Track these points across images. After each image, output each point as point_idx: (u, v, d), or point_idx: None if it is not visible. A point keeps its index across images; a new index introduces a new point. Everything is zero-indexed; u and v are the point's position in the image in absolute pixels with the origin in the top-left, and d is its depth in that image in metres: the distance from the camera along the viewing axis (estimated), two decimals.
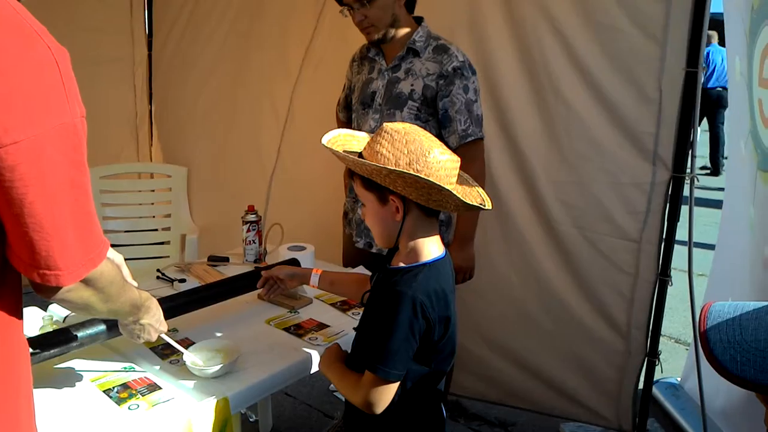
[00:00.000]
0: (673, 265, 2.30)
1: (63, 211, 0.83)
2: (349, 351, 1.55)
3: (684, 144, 2.19)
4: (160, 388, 1.46)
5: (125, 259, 1.37)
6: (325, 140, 1.42)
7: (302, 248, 2.22)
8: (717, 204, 3.45)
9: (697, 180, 2.22)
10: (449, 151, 1.34)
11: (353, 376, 1.41)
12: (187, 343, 1.60)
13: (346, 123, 2.47)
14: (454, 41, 2.21)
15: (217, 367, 1.49)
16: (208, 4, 3.44)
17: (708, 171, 7.83)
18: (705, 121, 7.90)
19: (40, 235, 0.81)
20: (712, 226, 3.61)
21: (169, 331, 1.47)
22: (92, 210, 0.89)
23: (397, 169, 1.27)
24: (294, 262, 2.00)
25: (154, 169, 3.82)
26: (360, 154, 1.37)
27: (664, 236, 2.28)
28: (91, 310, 1.01)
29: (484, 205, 1.36)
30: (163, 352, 1.61)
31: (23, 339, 0.93)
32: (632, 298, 2.38)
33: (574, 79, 2.31)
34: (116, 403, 1.40)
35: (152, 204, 3.66)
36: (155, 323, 1.37)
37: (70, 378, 1.48)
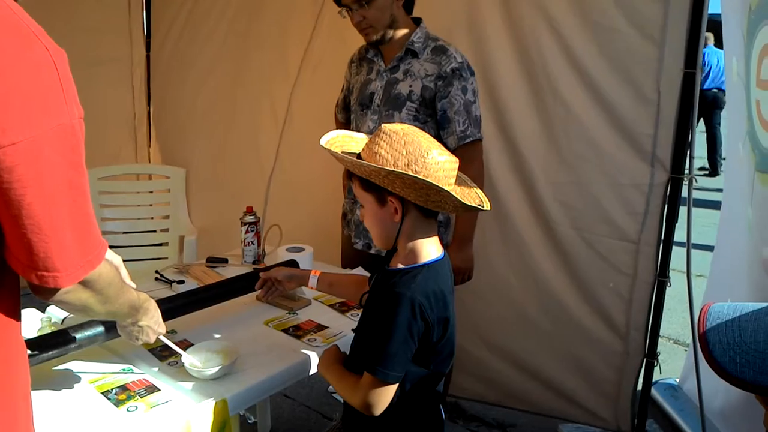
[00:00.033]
0: (671, 266, 2.30)
1: (61, 213, 0.83)
2: (347, 352, 1.55)
3: (682, 145, 2.19)
4: (159, 390, 1.46)
5: (123, 261, 1.37)
6: (323, 141, 1.42)
7: (301, 249, 2.22)
8: (716, 205, 3.45)
9: (696, 181, 2.22)
10: (448, 152, 1.34)
11: (352, 378, 1.41)
12: (186, 345, 1.60)
13: (345, 124, 2.47)
14: (453, 42, 2.21)
15: (216, 369, 1.49)
16: (207, 3, 3.44)
17: (706, 172, 7.84)
18: (701, 122, 7.92)
19: (38, 236, 0.81)
20: (711, 227, 3.61)
21: (167, 332, 1.47)
22: (90, 211, 0.89)
23: (395, 170, 1.27)
24: (293, 264, 2.00)
25: (153, 171, 3.82)
26: (358, 155, 1.37)
27: (662, 237, 2.28)
28: (89, 312, 1.00)
29: (483, 206, 1.36)
30: (161, 353, 1.61)
31: (21, 340, 0.93)
32: (631, 299, 2.38)
33: (572, 79, 2.32)
34: (115, 404, 1.39)
35: (150, 205, 3.65)
36: (154, 325, 1.37)
37: (69, 380, 1.48)
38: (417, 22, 2.23)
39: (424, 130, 1.41)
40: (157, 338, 1.42)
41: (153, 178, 3.78)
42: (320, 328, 1.82)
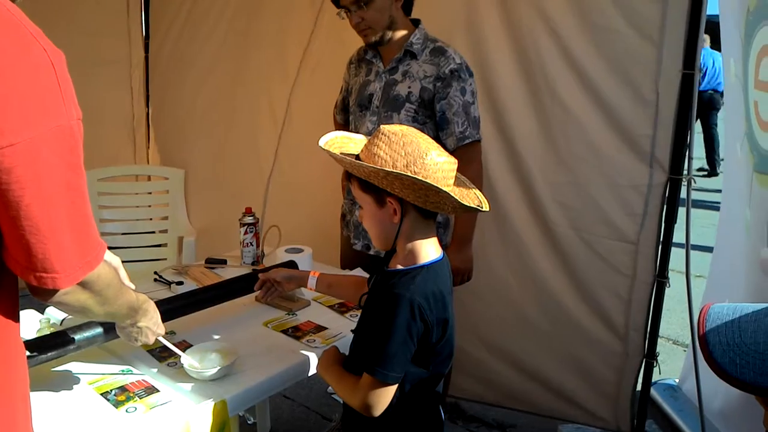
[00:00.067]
0: (670, 266, 2.30)
1: (59, 214, 0.83)
2: (347, 353, 1.55)
3: (681, 146, 2.19)
4: (158, 391, 1.46)
5: (122, 262, 1.37)
6: (322, 142, 1.42)
7: (300, 250, 2.22)
8: (715, 206, 3.45)
9: (694, 182, 2.22)
10: (446, 153, 1.34)
11: (351, 379, 1.41)
12: (185, 346, 1.60)
13: (344, 125, 2.46)
14: (451, 43, 2.22)
15: (215, 370, 1.49)
16: (206, 3, 3.44)
17: (705, 172, 7.85)
18: (698, 123, 7.94)
19: (36, 237, 0.81)
20: (710, 228, 3.61)
21: (166, 333, 1.47)
22: (89, 212, 0.88)
23: (394, 171, 1.27)
24: (292, 265, 2.00)
25: (152, 172, 3.82)
26: (357, 156, 1.37)
27: (661, 238, 2.28)
28: (88, 313, 1.00)
29: (482, 207, 1.37)
30: (160, 354, 1.61)
31: (20, 342, 0.93)
32: (630, 299, 2.38)
33: (570, 80, 2.32)
34: (114, 405, 1.39)
35: (149, 206, 3.65)
36: (153, 326, 1.37)
37: (68, 381, 1.48)
38: (416, 23, 2.23)
39: (422, 131, 1.41)
40: (156, 339, 1.42)
41: (152, 179, 3.78)
42: (319, 329, 1.82)
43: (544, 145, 2.40)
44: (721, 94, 7.49)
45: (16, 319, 0.91)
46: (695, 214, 2.32)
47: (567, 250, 2.44)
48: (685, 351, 3.31)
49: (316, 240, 2.46)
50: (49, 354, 1.42)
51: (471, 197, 1.38)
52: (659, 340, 2.42)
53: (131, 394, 1.43)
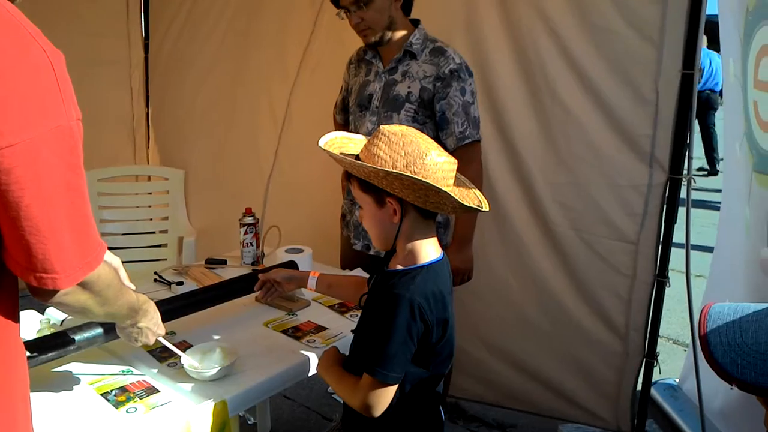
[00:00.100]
0: (670, 266, 2.30)
1: (59, 214, 0.83)
2: (347, 354, 1.55)
3: (680, 146, 2.19)
4: (158, 391, 1.46)
5: (122, 262, 1.37)
6: (322, 143, 1.42)
7: (300, 251, 2.22)
8: (715, 205, 3.45)
9: (694, 181, 2.22)
10: (446, 153, 1.34)
11: (351, 379, 1.41)
12: (185, 346, 1.60)
13: (343, 125, 2.46)
14: (451, 43, 2.22)
15: (215, 370, 1.49)
16: (206, 2, 3.44)
17: (705, 172, 7.86)
18: (696, 123, 7.94)
19: (36, 238, 0.81)
20: (710, 228, 3.61)
21: (166, 334, 1.47)
22: (89, 213, 0.88)
23: (394, 171, 1.27)
24: (292, 265, 2.00)
25: (151, 172, 3.82)
26: (357, 157, 1.37)
27: (661, 238, 2.28)
28: (88, 314, 1.00)
29: (482, 207, 1.37)
30: (160, 355, 1.61)
31: (20, 342, 0.93)
32: (630, 299, 2.38)
33: (570, 81, 2.32)
34: (114, 406, 1.39)
35: (149, 207, 3.65)
36: (153, 326, 1.37)
37: (68, 381, 1.48)
38: (415, 23, 2.23)
39: (422, 131, 1.42)
40: (157, 340, 1.42)
41: (152, 179, 3.78)
42: (319, 329, 1.82)
43: (544, 145, 2.40)
44: (719, 93, 7.49)
45: (16, 319, 0.91)
46: (695, 214, 2.32)
47: (567, 250, 2.44)
48: (685, 351, 3.31)
49: (316, 240, 2.46)
50: (50, 354, 1.42)
51: (471, 197, 1.38)
52: (659, 340, 2.42)
53: (131, 395, 1.43)
